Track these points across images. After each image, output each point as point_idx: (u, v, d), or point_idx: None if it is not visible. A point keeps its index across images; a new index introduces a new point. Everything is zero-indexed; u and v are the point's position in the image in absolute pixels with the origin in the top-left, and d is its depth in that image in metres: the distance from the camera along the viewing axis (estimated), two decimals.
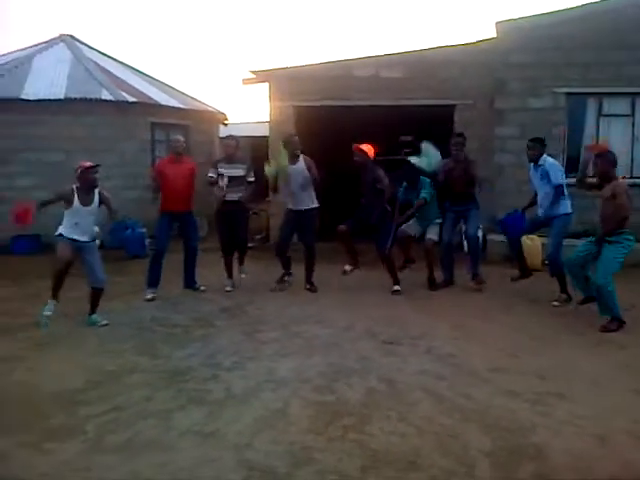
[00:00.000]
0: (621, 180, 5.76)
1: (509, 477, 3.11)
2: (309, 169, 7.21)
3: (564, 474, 3.13)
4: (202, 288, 7.42)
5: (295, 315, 6.25)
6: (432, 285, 7.32)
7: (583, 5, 9.64)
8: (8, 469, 3.23)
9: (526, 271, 6.95)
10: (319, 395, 4.14)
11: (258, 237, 11.22)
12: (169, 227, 7.20)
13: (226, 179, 7.20)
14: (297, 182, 7.18)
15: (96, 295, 5.94)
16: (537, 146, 6.66)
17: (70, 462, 3.27)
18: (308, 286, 7.40)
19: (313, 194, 7.33)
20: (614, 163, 5.72)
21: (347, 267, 7.41)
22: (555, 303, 6.46)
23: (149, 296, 6.94)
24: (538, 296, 6.82)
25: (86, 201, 5.79)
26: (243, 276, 7.70)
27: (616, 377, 4.48)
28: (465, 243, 7.83)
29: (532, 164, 6.70)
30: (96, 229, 5.99)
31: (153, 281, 7.07)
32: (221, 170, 7.30)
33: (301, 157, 7.29)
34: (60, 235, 5.81)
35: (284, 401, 4.03)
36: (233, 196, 7.34)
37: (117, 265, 9.12)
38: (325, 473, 3.13)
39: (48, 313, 5.74)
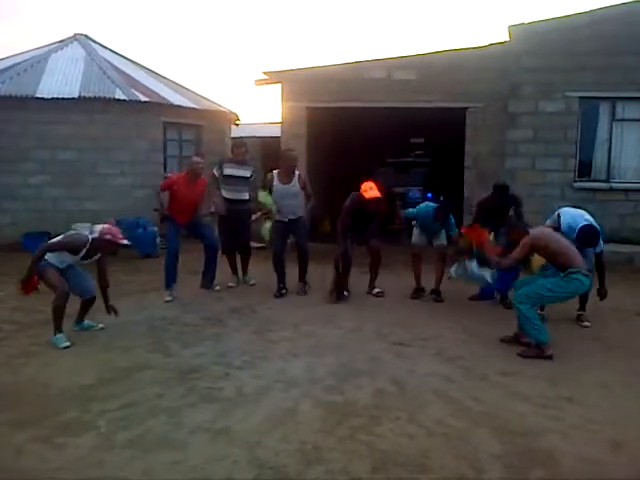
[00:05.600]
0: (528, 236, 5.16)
1: None
2: (303, 187, 7.11)
3: (576, 479, 3.12)
4: (217, 288, 7.46)
5: (305, 316, 6.27)
6: (438, 296, 7.04)
7: (595, 10, 9.62)
8: (23, 463, 3.27)
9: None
10: (329, 395, 4.16)
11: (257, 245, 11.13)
12: (178, 230, 7.17)
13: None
14: (289, 200, 7.06)
15: (88, 305, 5.64)
16: None
17: (84, 457, 3.30)
18: (301, 284, 7.36)
19: (303, 204, 7.20)
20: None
21: (345, 292, 7.11)
22: (587, 324, 6.01)
23: (168, 298, 6.89)
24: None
25: (88, 258, 5.39)
26: (253, 282, 7.76)
27: (629, 383, 4.46)
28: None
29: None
30: None
31: (170, 283, 7.03)
32: (227, 170, 7.44)
33: (296, 176, 7.11)
34: (46, 261, 5.24)
35: (295, 400, 4.05)
36: (239, 195, 7.44)
37: (128, 264, 9.20)
38: (335, 473, 3.15)
39: (67, 344, 5.20)
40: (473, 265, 6.25)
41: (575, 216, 6.05)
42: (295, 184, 7.06)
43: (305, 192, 7.13)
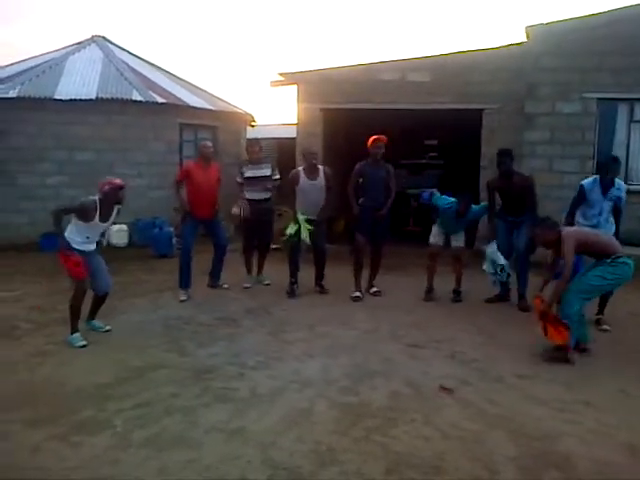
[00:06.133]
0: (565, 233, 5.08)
1: None
2: (327, 183, 7.12)
3: None
4: (225, 286, 7.53)
5: (320, 316, 6.27)
6: (457, 296, 7.04)
7: (615, 9, 9.50)
8: (39, 461, 3.29)
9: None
10: (344, 396, 4.15)
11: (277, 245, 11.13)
12: (195, 228, 7.29)
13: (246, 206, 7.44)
14: (314, 196, 7.08)
15: (101, 301, 5.65)
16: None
17: (99, 456, 3.33)
18: (318, 288, 7.37)
19: (323, 203, 7.19)
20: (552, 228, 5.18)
21: (358, 293, 7.07)
22: (606, 327, 5.89)
23: (183, 297, 6.96)
24: None
25: (105, 217, 5.41)
26: (267, 282, 7.79)
27: None
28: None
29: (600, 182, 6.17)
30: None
31: (186, 282, 7.11)
32: (247, 173, 7.53)
33: (321, 170, 7.14)
34: (69, 247, 5.24)
35: (309, 401, 4.05)
36: (261, 195, 7.51)
37: (144, 264, 9.28)
38: (349, 474, 3.14)
39: (83, 343, 5.25)
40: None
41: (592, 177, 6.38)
42: (321, 179, 7.10)
43: (328, 185, 7.13)
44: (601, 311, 6.07)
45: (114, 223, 6.09)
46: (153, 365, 4.77)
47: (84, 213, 5.28)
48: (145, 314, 6.35)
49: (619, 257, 4.98)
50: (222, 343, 5.37)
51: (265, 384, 4.37)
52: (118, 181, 5.43)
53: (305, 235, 6.99)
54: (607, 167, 6.20)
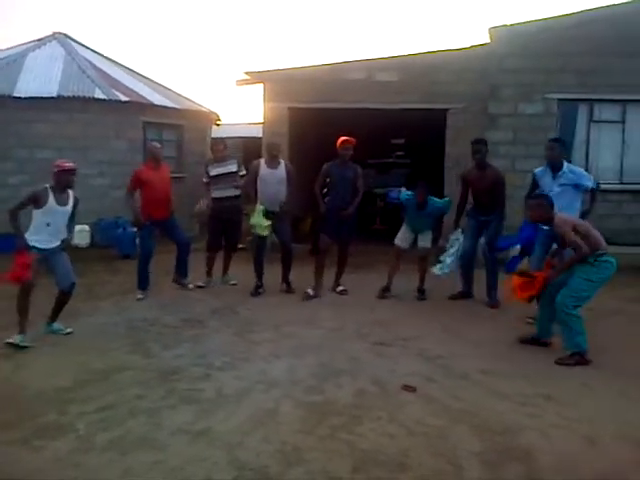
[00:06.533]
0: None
1: (498, 478, 3.13)
2: (288, 176, 7.13)
3: (552, 475, 3.16)
4: (190, 286, 7.44)
5: (285, 316, 6.26)
6: (422, 294, 7.12)
7: (577, 12, 9.72)
8: (0, 465, 3.21)
9: None
10: (310, 395, 4.15)
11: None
12: (152, 230, 7.22)
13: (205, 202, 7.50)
14: (273, 187, 7.06)
15: (65, 300, 5.56)
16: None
17: (61, 459, 3.26)
18: (285, 286, 7.35)
19: (285, 196, 7.16)
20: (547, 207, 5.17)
21: (310, 291, 7.07)
22: (530, 320, 5.82)
23: (140, 296, 6.97)
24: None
25: (61, 201, 5.37)
26: (233, 282, 7.73)
27: (609, 382, 4.49)
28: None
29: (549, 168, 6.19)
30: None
31: (143, 283, 7.10)
32: (213, 171, 7.49)
33: (282, 162, 7.20)
34: (27, 246, 5.20)
35: (275, 401, 4.04)
36: (229, 192, 7.46)
37: (108, 265, 9.14)
38: (315, 473, 3.14)
39: (23, 343, 5.15)
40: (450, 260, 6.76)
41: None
42: (281, 170, 7.11)
43: (289, 182, 7.12)
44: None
45: (76, 224, 5.99)
46: (117, 367, 4.69)
47: (37, 199, 5.28)
48: (109, 316, 6.25)
49: (601, 255, 4.95)
50: (188, 344, 5.32)
51: (231, 385, 4.34)
52: (68, 164, 5.42)
53: (262, 227, 6.94)
54: (549, 148, 6.21)
